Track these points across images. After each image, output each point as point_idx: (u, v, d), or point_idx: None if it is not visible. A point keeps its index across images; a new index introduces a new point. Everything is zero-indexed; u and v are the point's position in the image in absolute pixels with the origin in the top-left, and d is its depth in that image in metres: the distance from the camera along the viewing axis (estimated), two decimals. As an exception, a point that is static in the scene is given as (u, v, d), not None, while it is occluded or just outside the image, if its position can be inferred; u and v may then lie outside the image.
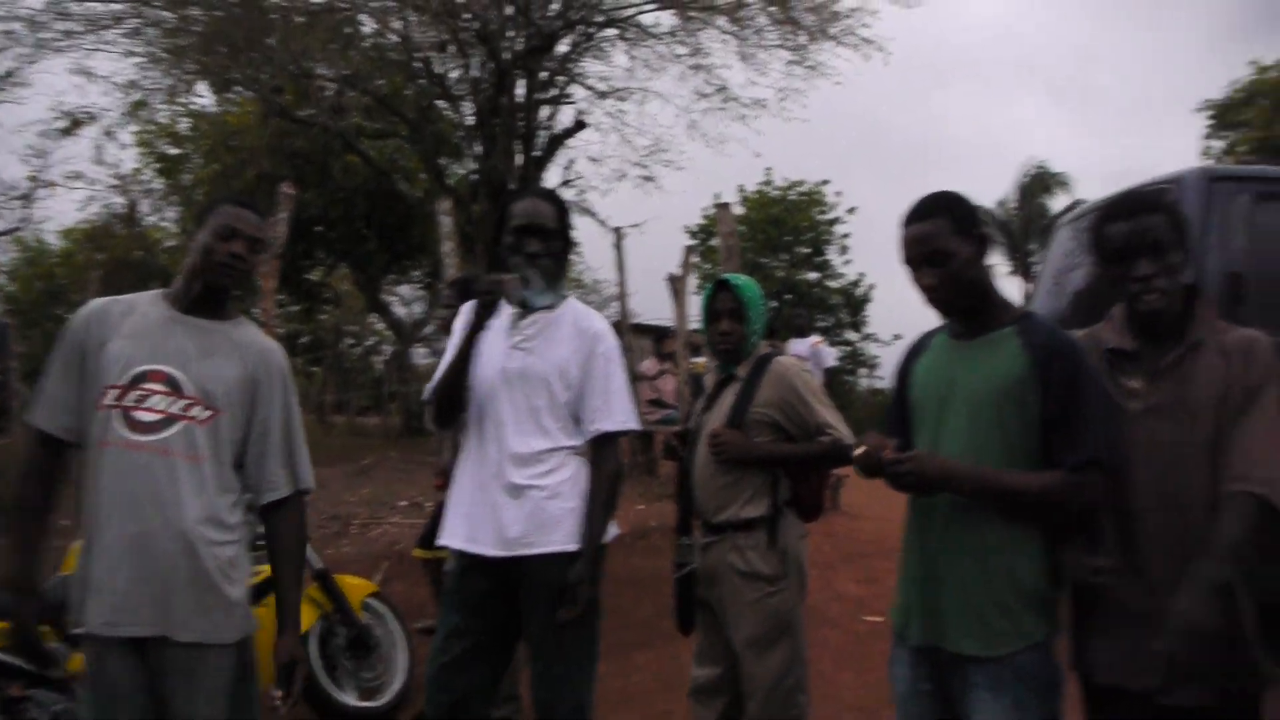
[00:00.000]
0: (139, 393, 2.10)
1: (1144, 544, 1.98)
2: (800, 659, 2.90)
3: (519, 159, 13.12)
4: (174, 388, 2.13)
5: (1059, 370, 1.95)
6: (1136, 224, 2.00)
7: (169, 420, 2.11)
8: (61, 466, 2.21)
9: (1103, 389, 1.99)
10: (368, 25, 12.33)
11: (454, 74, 13.54)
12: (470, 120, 13.62)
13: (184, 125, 17.02)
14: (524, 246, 2.58)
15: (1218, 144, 20.92)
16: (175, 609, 2.07)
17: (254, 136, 14.62)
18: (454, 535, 2.60)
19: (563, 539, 2.50)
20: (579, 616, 2.47)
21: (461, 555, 2.58)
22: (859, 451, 2.10)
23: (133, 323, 2.17)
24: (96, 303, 2.28)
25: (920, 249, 2.04)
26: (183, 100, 14.32)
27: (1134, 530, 1.99)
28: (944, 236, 2.01)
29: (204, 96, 15.02)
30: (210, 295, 2.24)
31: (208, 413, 2.16)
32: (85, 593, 2.08)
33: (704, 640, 2.99)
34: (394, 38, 12.40)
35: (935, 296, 2.06)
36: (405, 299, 22.21)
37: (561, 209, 2.68)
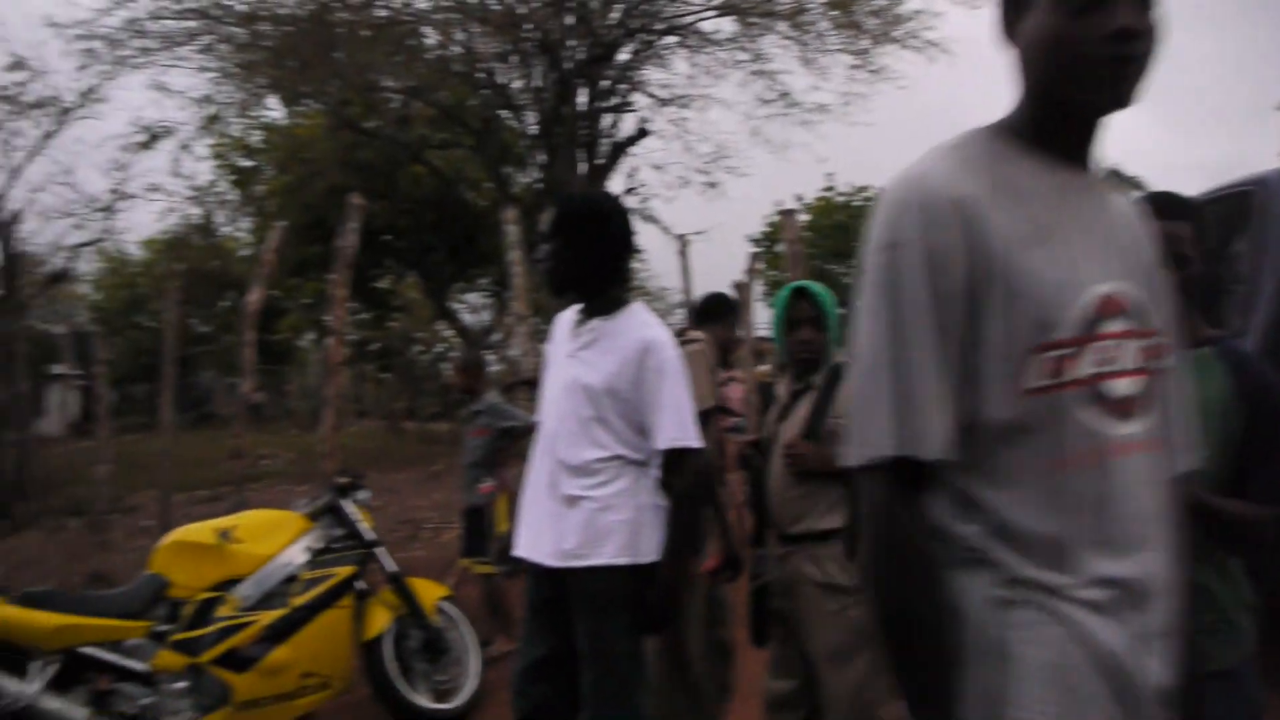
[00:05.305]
0: (1103, 344, 1.12)
1: None
2: (880, 671, 2.84)
3: (582, 167, 13.19)
4: (1141, 322, 1.17)
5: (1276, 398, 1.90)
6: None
7: (1150, 387, 1.17)
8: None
9: None
10: (431, 38, 12.51)
11: (517, 84, 13.67)
12: (533, 130, 13.71)
13: (256, 138, 17.54)
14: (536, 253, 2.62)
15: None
16: None
17: (323, 148, 14.95)
18: (519, 542, 2.66)
19: (612, 552, 2.48)
20: (622, 630, 2.50)
21: (527, 562, 2.63)
22: None
23: (1027, 202, 1.14)
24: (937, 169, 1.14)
25: (1166, 248, 1.91)
26: (254, 113, 14.76)
27: None
28: (1187, 242, 1.91)
29: (275, 110, 15.51)
30: (1076, 130, 1.18)
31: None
32: None
33: (779, 652, 2.96)
34: (457, 49, 12.57)
35: None
36: (473, 306, 22.45)
37: (561, 213, 2.63)
